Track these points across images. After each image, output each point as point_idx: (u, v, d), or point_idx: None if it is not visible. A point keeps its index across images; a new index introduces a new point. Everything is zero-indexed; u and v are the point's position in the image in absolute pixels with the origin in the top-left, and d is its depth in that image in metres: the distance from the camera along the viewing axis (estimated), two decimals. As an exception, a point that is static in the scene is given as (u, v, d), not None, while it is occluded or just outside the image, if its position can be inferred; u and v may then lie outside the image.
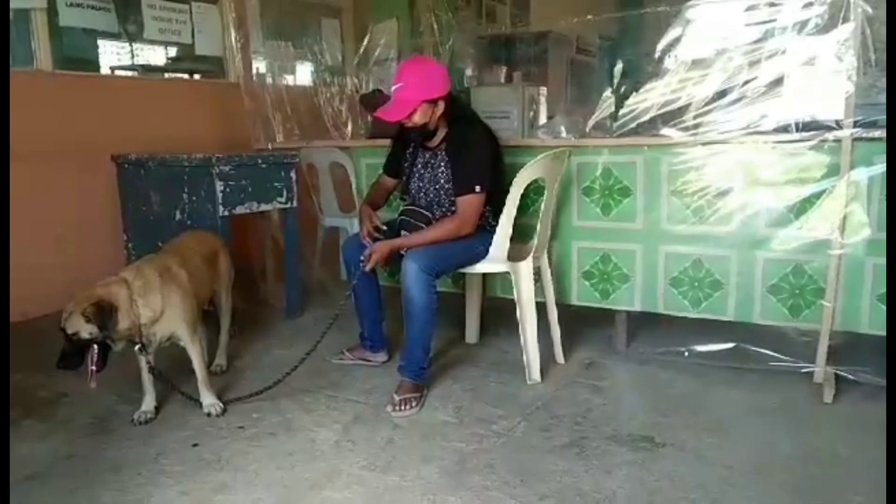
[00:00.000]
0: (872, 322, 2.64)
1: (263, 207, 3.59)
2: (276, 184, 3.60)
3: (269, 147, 4.26)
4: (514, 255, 2.79)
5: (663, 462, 2.18)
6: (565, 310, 3.12)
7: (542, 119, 5.57)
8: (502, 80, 6.07)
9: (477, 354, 3.16)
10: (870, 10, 2.46)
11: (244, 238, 4.19)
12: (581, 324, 3.37)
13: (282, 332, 3.57)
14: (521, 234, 2.84)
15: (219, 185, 3.30)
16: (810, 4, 2.61)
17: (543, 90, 5.95)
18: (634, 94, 3.15)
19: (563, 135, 3.33)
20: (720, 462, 2.17)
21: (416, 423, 2.47)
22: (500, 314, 3.35)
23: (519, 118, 5.41)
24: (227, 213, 3.35)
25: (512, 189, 2.70)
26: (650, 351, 3.11)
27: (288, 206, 3.68)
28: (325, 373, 2.95)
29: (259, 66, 4.62)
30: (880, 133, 2.50)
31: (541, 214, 2.86)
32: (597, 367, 3.00)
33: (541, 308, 2.91)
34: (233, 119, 4.53)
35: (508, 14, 8.08)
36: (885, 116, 2.51)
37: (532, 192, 2.95)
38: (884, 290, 2.59)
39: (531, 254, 2.83)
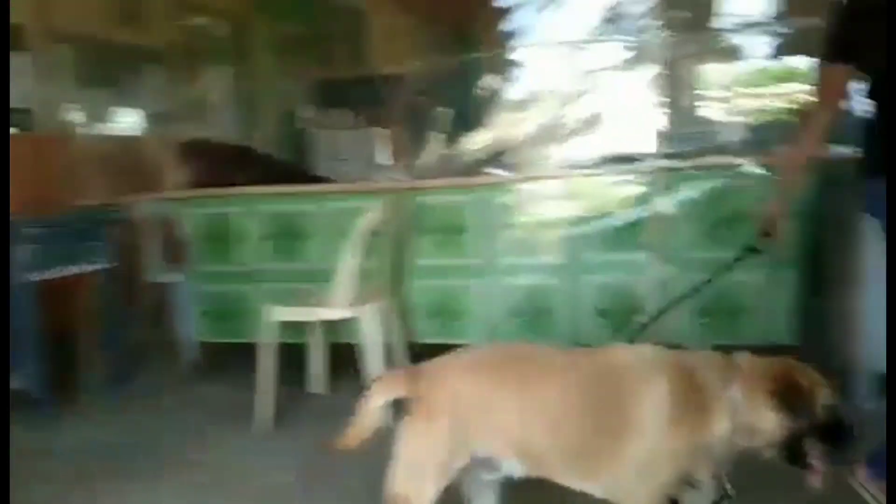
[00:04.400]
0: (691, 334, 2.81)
1: (78, 270, 3.26)
2: (93, 242, 3.30)
3: (86, 203, 3.91)
4: (359, 300, 2.68)
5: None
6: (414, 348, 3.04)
7: (382, 161, 5.60)
8: (348, 122, 6.04)
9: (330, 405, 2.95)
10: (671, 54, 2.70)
11: (64, 305, 3.78)
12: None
13: (106, 402, 3.23)
14: (361, 278, 2.76)
15: (22, 251, 2.96)
16: (622, 47, 2.82)
17: (381, 132, 5.99)
18: (464, 134, 3.23)
19: (402, 177, 3.36)
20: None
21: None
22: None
23: (360, 161, 5.39)
24: (32, 280, 3.00)
25: (353, 235, 2.62)
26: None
27: (107, 265, 3.37)
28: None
29: (74, 116, 4.29)
30: (683, 163, 2.73)
31: (385, 256, 2.83)
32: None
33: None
34: (44, 175, 4.13)
35: (351, 56, 8.14)
36: (689, 147, 2.75)
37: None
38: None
39: (377, 297, 2.76)
